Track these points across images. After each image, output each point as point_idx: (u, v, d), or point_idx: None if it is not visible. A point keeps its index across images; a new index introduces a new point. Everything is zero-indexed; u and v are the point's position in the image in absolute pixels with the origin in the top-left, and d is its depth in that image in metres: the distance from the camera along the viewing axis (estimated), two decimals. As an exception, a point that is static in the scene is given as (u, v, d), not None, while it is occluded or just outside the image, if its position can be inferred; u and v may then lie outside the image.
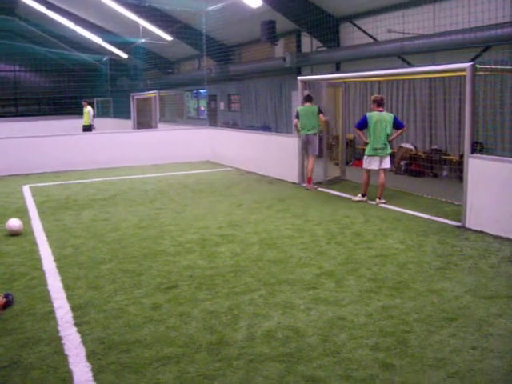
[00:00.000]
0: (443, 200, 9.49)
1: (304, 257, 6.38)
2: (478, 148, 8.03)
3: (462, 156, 9.54)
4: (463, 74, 7.86)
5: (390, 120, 9.44)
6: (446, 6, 11.76)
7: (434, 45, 12.06)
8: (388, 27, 13.23)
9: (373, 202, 9.46)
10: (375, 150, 9.48)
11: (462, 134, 8.08)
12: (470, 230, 7.49)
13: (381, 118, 9.42)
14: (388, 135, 9.42)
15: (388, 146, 9.48)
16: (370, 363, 3.83)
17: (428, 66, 9.84)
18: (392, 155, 12.56)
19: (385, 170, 9.57)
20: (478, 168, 7.50)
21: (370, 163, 9.59)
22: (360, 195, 9.73)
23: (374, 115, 9.51)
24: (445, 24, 11.50)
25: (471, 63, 7.66)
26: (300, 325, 4.48)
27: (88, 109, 21.33)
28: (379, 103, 9.59)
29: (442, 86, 12.66)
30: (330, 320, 4.56)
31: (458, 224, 7.76)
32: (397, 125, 9.53)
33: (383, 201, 9.38)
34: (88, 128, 21.14)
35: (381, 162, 9.52)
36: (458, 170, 10.98)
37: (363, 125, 9.62)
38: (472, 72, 7.56)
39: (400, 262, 6.14)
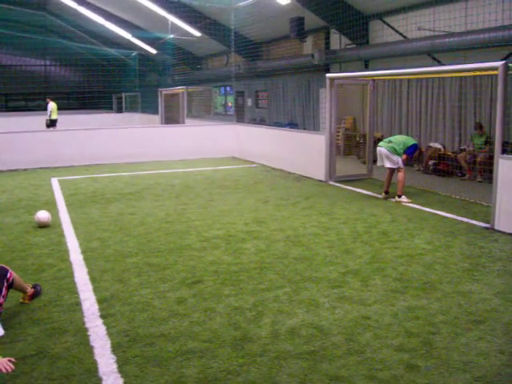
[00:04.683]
0: (471, 201, 9.36)
1: (329, 255, 6.35)
2: (508, 148, 7.88)
3: (491, 157, 9.39)
4: (495, 72, 7.73)
5: (406, 142, 9.58)
6: (478, 4, 11.55)
7: (465, 43, 11.88)
8: (418, 25, 13.06)
9: (394, 200, 9.43)
10: (381, 141, 9.84)
11: (493, 134, 7.96)
12: (499, 231, 7.37)
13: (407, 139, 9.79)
14: (402, 144, 9.47)
15: (395, 150, 9.36)
16: (394, 364, 3.80)
17: (458, 64, 9.70)
18: (420, 154, 12.58)
19: (397, 169, 9.43)
20: (508, 169, 7.37)
21: (379, 160, 9.76)
22: (383, 193, 9.74)
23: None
24: (476, 22, 11.30)
25: (504, 62, 7.52)
26: (324, 323, 4.46)
27: (50, 105, 21.68)
28: None
29: (472, 85, 12.45)
30: (355, 319, 4.53)
31: (487, 225, 7.63)
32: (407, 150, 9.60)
33: (405, 200, 9.27)
34: (53, 123, 21.45)
35: (382, 158, 9.56)
36: (487, 171, 10.79)
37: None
38: (504, 71, 7.43)
39: (427, 262, 6.06)
